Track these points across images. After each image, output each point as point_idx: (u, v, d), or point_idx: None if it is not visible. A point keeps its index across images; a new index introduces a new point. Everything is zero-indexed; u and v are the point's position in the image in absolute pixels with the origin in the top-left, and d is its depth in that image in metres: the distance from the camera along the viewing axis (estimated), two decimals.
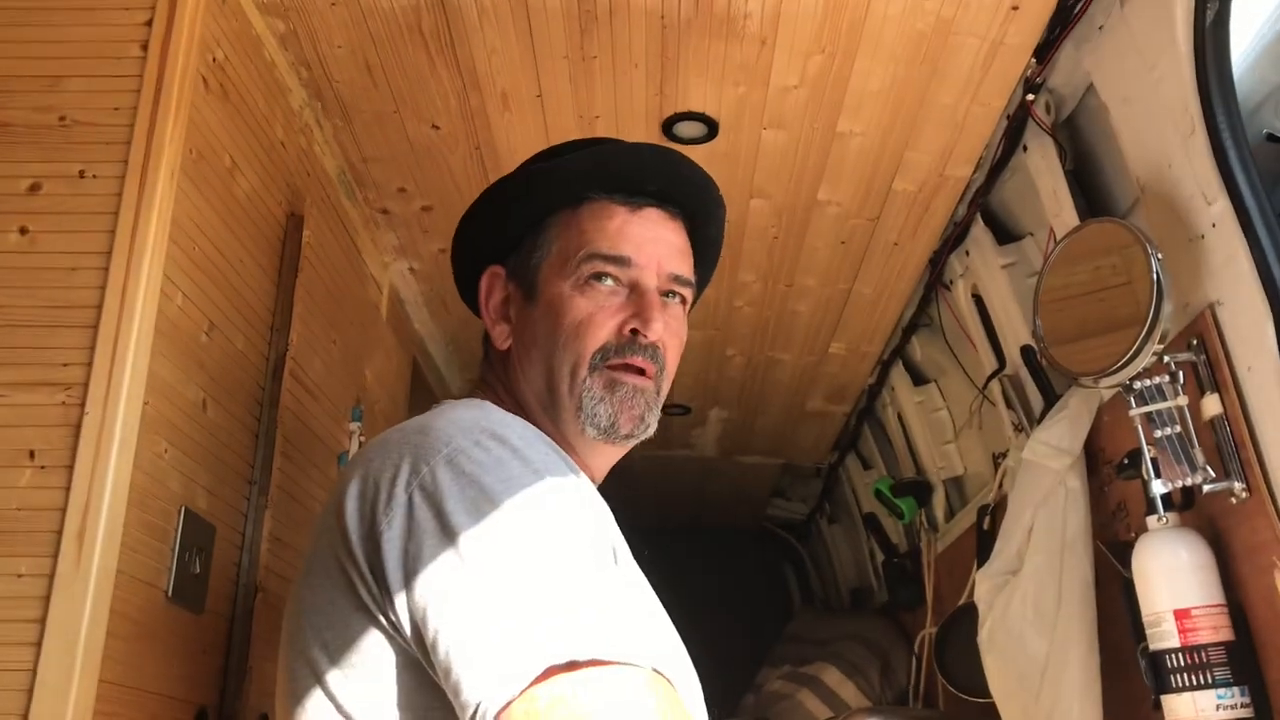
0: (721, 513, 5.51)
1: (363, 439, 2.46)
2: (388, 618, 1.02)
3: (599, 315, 1.27)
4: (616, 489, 1.37)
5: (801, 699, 3.98)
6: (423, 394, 3.42)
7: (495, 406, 1.19)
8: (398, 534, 1.02)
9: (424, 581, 0.99)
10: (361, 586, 1.04)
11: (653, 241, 1.31)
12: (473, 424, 1.10)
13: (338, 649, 1.06)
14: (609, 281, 1.28)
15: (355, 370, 2.58)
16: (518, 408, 1.28)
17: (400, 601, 1.00)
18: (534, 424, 1.19)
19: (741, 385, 3.87)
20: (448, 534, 0.99)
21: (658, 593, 1.20)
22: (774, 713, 4.05)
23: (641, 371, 1.28)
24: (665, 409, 1.33)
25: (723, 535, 5.77)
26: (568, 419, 1.27)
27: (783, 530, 5.66)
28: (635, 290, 1.29)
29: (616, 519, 1.17)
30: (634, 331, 1.26)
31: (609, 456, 1.33)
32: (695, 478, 4.98)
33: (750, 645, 5.36)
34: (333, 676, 1.06)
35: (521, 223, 1.35)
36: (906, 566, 3.78)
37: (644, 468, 4.42)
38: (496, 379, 1.35)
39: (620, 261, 1.28)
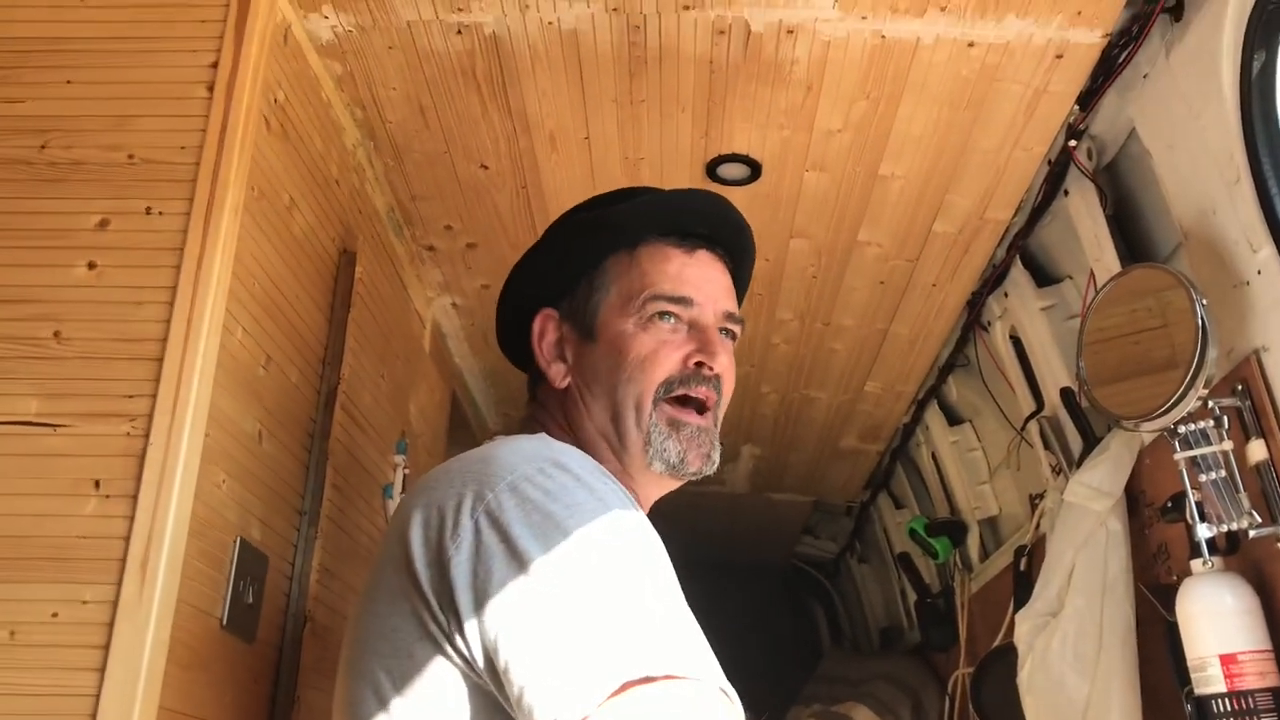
0: (751, 549, 5.51)
1: (407, 471, 2.49)
2: (454, 645, 1.04)
3: (663, 350, 1.32)
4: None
5: None
6: (460, 427, 3.46)
7: (553, 439, 1.24)
8: (465, 560, 1.05)
9: (494, 605, 1.01)
10: (427, 614, 1.06)
11: (708, 282, 1.38)
12: (534, 453, 1.14)
13: (402, 676, 1.08)
14: (671, 320, 1.34)
15: (401, 403, 2.61)
16: (576, 443, 1.31)
17: (470, 627, 1.02)
18: (594, 457, 1.24)
19: (775, 422, 3.89)
20: (516, 558, 1.02)
21: None
22: None
23: (701, 409, 1.33)
24: None
25: (752, 572, 5.76)
26: (634, 452, 1.32)
27: (812, 568, 5.65)
28: (695, 327, 1.35)
29: None
30: (698, 364, 1.32)
31: (663, 489, 1.38)
32: (725, 514, 4.98)
33: (779, 683, 5.34)
34: (397, 704, 1.08)
35: (577, 266, 1.41)
36: (940, 607, 3.76)
37: (673, 502, 4.41)
38: (550, 417, 1.38)
39: (683, 302, 1.35)
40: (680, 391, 1.32)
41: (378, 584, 1.15)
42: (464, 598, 1.03)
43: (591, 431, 1.34)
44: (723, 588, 5.62)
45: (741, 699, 1.02)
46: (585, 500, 1.08)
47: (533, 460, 1.12)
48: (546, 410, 1.40)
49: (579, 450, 1.21)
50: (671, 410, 1.32)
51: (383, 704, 1.09)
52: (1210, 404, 1.80)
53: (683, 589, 1.11)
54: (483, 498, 1.08)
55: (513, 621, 1.00)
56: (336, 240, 2.19)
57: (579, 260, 1.41)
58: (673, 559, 1.15)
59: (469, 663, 1.04)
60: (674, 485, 1.37)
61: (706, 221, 1.43)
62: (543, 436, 1.25)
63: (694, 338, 1.34)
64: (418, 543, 1.09)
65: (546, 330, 1.41)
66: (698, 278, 1.37)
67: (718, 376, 1.34)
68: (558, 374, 1.38)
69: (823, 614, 5.87)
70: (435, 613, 1.06)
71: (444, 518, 1.09)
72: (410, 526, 1.11)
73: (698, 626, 1.09)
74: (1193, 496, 1.82)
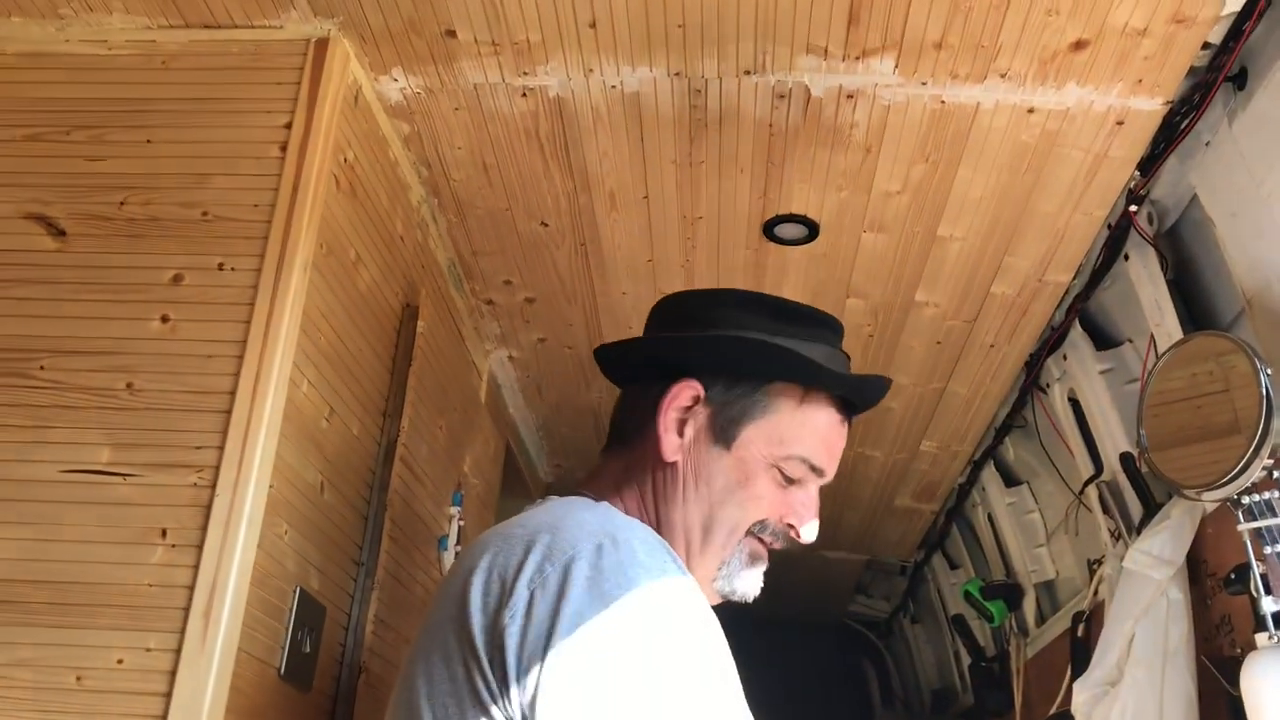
0: (802, 607, 5.45)
1: (462, 523, 2.51)
2: (505, 712, 1.05)
3: (778, 501, 1.34)
4: None
5: None
6: (513, 478, 3.48)
7: (618, 511, 1.22)
8: (518, 630, 1.05)
9: (544, 684, 1.03)
10: (480, 679, 1.07)
11: (840, 454, 1.39)
12: (599, 529, 1.13)
13: None
14: (799, 483, 1.35)
15: (456, 455, 2.64)
16: (650, 521, 1.32)
17: (514, 695, 1.04)
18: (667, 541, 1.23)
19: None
20: (571, 639, 1.03)
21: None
22: None
23: (770, 555, 1.36)
24: None
25: (804, 629, 5.70)
26: (708, 564, 1.32)
27: (865, 628, 5.58)
28: (808, 490, 1.36)
29: None
30: (790, 526, 1.34)
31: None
32: (777, 570, 4.88)
33: None
34: None
35: (746, 369, 1.36)
36: (994, 671, 3.71)
37: None
38: (624, 483, 1.36)
39: (820, 474, 1.36)
40: (767, 538, 1.34)
41: (434, 641, 1.15)
42: (513, 670, 1.04)
43: (677, 520, 1.33)
44: (774, 645, 5.56)
45: None
46: (643, 580, 1.07)
47: (595, 535, 1.11)
48: (633, 474, 1.36)
49: (643, 525, 1.20)
50: (754, 545, 1.33)
51: None
52: (1275, 474, 1.78)
53: (733, 645, 1.12)
54: (543, 571, 1.08)
55: (558, 703, 1.02)
56: (399, 295, 2.23)
57: (751, 365, 1.36)
58: (724, 616, 1.16)
59: None
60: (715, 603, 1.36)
61: (869, 404, 1.44)
62: (606, 508, 1.23)
63: (803, 500, 1.35)
64: (476, 607, 1.09)
65: (682, 399, 1.35)
66: (837, 450, 1.38)
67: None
68: (671, 448, 1.33)
69: (874, 674, 5.79)
70: (490, 679, 1.06)
71: (503, 585, 1.09)
72: (470, 589, 1.11)
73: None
74: (1257, 568, 1.79)
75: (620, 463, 1.38)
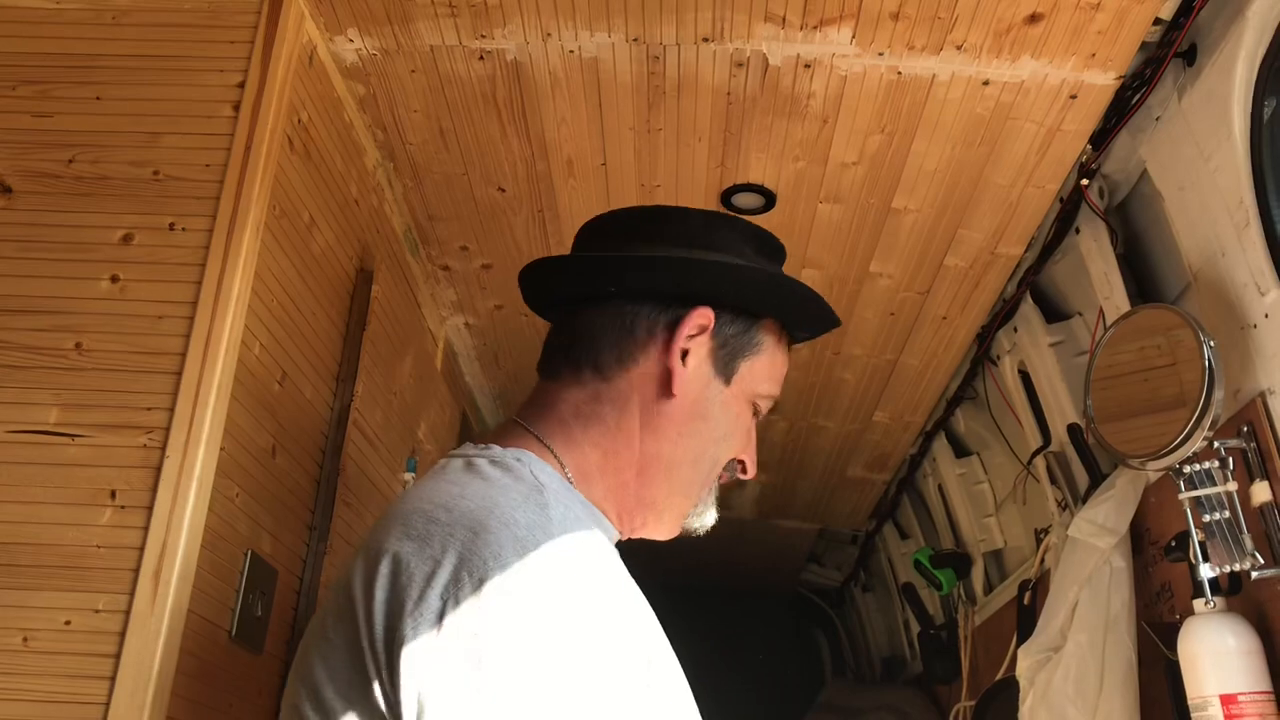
0: (755, 576, 5.51)
1: None
2: (383, 700, 0.95)
3: (745, 439, 1.28)
4: (646, 546, 1.32)
5: None
6: None
7: (552, 490, 1.09)
8: (423, 642, 0.94)
9: (436, 702, 0.92)
10: (375, 676, 0.96)
11: None
12: (527, 534, 0.99)
13: (339, 698, 0.98)
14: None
15: (411, 421, 2.64)
16: (621, 454, 1.21)
17: (406, 705, 0.93)
18: (620, 483, 1.19)
19: (783, 450, 3.91)
20: (472, 658, 0.92)
21: (686, 657, 1.13)
22: None
23: None
24: None
25: (755, 599, 5.76)
26: (688, 500, 1.25)
27: (817, 596, 5.64)
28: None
29: (647, 577, 1.15)
30: (741, 463, 1.29)
31: (662, 536, 1.31)
32: (730, 539, 4.99)
33: (779, 711, 5.34)
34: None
35: (747, 297, 1.26)
36: (943, 639, 3.77)
37: None
38: (602, 415, 1.21)
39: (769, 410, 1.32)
40: (725, 473, 1.28)
41: (335, 625, 1.01)
42: (407, 680, 0.93)
43: (666, 455, 1.22)
44: (727, 614, 5.62)
45: None
46: (564, 602, 0.96)
47: (521, 544, 0.98)
48: (596, 407, 1.21)
49: (571, 506, 1.08)
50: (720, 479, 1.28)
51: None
52: (1216, 445, 1.81)
53: (683, 614, 1.04)
54: (458, 580, 0.95)
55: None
56: (354, 259, 2.22)
57: (757, 299, 1.27)
58: (676, 584, 1.10)
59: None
60: (671, 536, 1.30)
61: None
62: (542, 493, 1.07)
63: (752, 435, 1.31)
64: (380, 604, 0.97)
65: (693, 328, 1.22)
66: None
67: None
68: (680, 381, 1.21)
69: (826, 643, 5.86)
70: (384, 680, 0.95)
71: (409, 585, 0.96)
72: (375, 582, 0.98)
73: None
74: (1196, 536, 1.83)
75: (584, 392, 1.22)
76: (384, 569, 0.98)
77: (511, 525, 0.99)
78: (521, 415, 1.24)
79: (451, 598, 0.94)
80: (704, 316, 1.22)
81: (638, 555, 1.28)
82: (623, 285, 1.25)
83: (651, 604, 1.10)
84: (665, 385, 1.21)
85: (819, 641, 5.90)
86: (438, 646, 0.93)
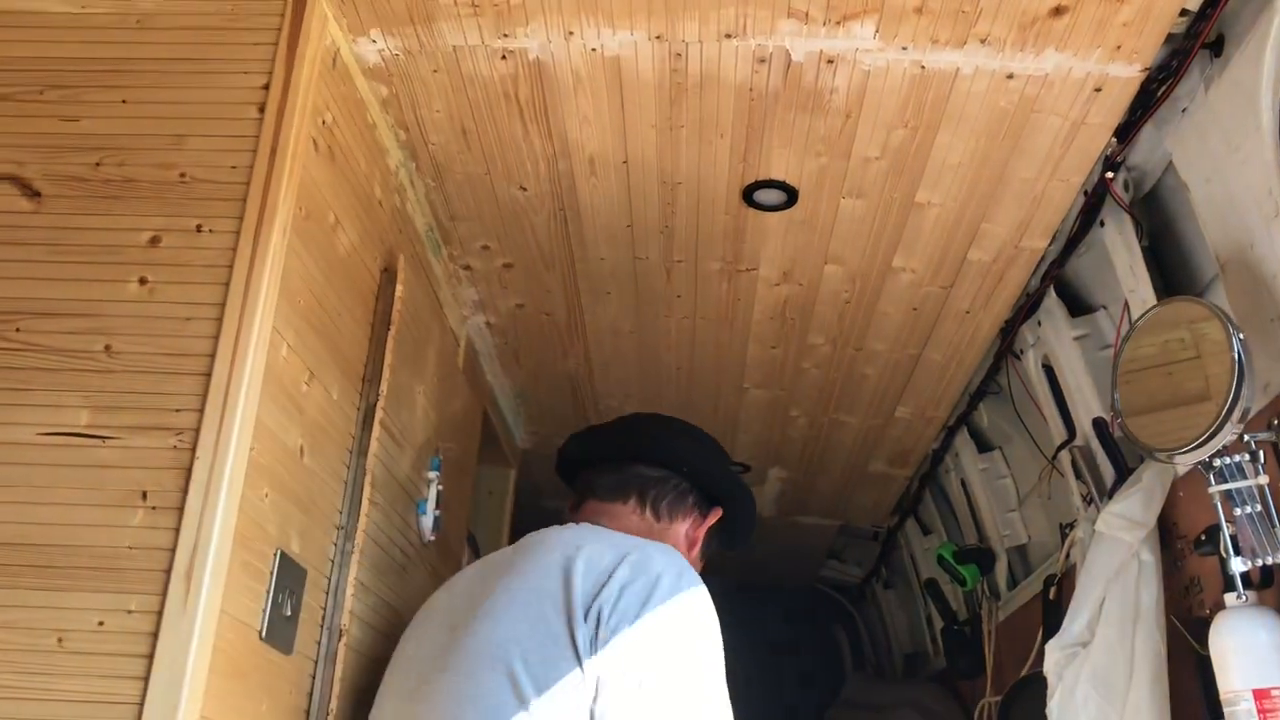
0: (776, 572, 5.50)
1: (440, 488, 2.52)
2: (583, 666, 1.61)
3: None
4: None
5: None
6: (490, 445, 3.49)
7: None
8: (609, 607, 1.64)
9: (621, 661, 1.61)
10: (580, 633, 1.62)
11: None
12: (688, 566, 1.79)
13: (543, 679, 1.59)
14: None
15: (435, 420, 2.64)
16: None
17: (595, 663, 1.61)
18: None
19: (803, 445, 3.90)
20: (655, 637, 1.64)
21: None
22: None
23: None
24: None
25: (776, 595, 5.75)
26: None
27: (837, 592, 5.64)
28: None
29: None
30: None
31: None
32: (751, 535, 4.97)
33: (801, 707, 5.33)
34: (536, 703, 1.59)
35: (736, 511, 2.22)
36: (967, 634, 3.76)
37: None
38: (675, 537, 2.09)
39: None
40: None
41: (525, 600, 1.71)
42: (604, 637, 1.61)
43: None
44: (747, 610, 5.61)
45: None
46: (697, 596, 1.72)
47: (689, 569, 1.77)
48: (649, 535, 1.97)
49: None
50: None
51: (522, 698, 1.58)
52: (1246, 438, 1.80)
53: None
54: (682, 576, 1.71)
55: (629, 685, 1.60)
56: (378, 259, 2.22)
57: (738, 511, 2.24)
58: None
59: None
60: None
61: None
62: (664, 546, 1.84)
63: None
64: (580, 575, 1.68)
65: (710, 522, 2.17)
66: None
67: None
68: (694, 556, 2.12)
69: (846, 639, 5.86)
70: (590, 634, 1.62)
71: (614, 568, 1.69)
72: (575, 562, 1.70)
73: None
74: (1227, 530, 1.83)
75: (644, 524, 2.04)
76: (582, 557, 1.75)
77: (662, 549, 1.81)
78: (604, 524, 1.98)
79: (629, 581, 1.69)
80: (717, 516, 2.17)
81: None
82: (677, 470, 2.11)
83: None
84: (682, 548, 2.06)
85: (839, 638, 5.90)
86: (622, 609, 1.67)
